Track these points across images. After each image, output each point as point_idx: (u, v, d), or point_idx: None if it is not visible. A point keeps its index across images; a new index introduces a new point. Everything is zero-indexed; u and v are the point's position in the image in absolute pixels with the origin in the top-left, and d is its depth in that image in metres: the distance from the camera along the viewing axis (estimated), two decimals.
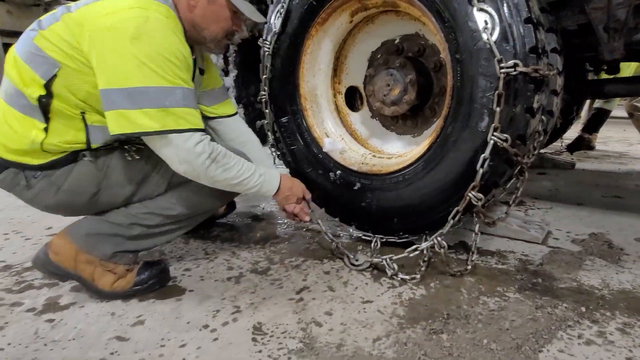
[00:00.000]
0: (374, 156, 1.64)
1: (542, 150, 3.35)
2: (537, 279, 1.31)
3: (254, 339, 0.98)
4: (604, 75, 3.03)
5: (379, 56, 1.70)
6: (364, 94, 1.77)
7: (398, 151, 1.71)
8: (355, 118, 1.80)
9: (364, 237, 1.56)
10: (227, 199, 1.40)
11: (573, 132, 3.81)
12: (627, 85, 2.35)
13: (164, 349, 0.94)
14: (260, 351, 0.94)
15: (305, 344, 0.97)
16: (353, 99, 1.84)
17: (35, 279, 1.29)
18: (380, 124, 1.79)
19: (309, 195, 1.43)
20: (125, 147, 1.17)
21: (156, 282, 1.21)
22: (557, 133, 3.08)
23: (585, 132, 3.71)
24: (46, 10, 5.94)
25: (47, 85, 1.01)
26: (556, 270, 1.37)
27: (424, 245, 1.33)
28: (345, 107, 1.78)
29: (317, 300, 1.17)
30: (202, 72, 1.40)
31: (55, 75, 1.01)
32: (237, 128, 1.55)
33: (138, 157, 1.17)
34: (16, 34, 5.90)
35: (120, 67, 0.96)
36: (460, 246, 1.57)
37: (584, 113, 4.08)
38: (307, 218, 1.39)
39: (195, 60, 1.25)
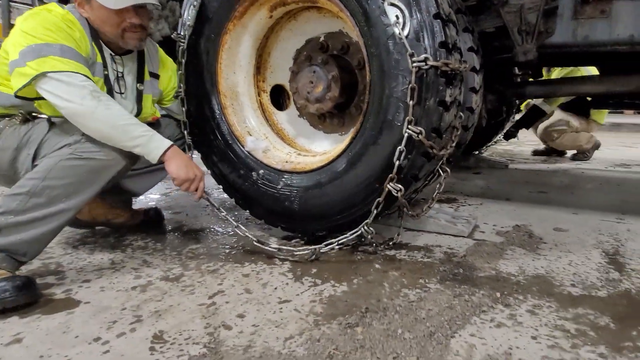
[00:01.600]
0: (299, 154, 1.63)
1: (477, 153, 3.54)
2: (459, 269, 1.35)
3: (151, 348, 0.91)
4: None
5: (303, 54, 1.71)
6: (289, 92, 1.77)
7: (325, 150, 1.72)
8: (282, 117, 1.80)
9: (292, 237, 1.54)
10: (98, 178, 1.26)
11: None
12: (547, 87, 2.55)
13: None
14: None
15: (209, 349, 0.92)
16: (280, 97, 1.84)
17: None
18: (308, 123, 1.79)
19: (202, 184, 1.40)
20: (18, 115, 1.31)
21: None
22: (489, 134, 3.27)
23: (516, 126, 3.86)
24: None
25: None
26: (478, 261, 1.42)
27: (351, 233, 1.39)
28: (271, 105, 1.77)
29: (231, 303, 1.12)
30: (155, 76, 1.55)
31: None
32: None
33: (20, 126, 1.29)
34: None
35: (14, 42, 1.19)
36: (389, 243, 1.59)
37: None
38: (197, 196, 1.40)
39: (142, 58, 1.48)
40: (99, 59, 1.33)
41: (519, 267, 1.37)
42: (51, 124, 1.29)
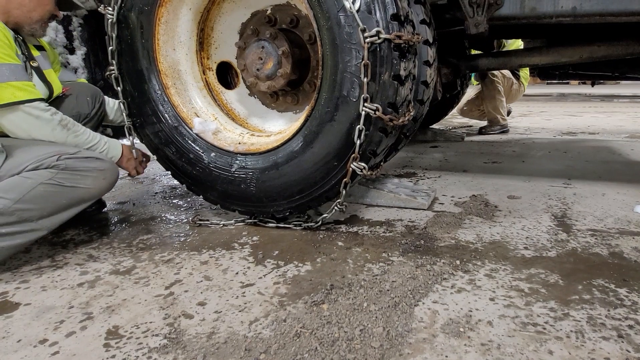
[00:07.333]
0: (253, 135, 1.63)
1: (434, 126, 3.69)
2: (420, 241, 1.43)
3: (106, 345, 0.90)
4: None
5: (249, 28, 1.68)
6: (237, 69, 1.74)
7: (280, 129, 1.72)
8: (231, 96, 1.77)
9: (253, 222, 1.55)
10: (78, 205, 1.34)
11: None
12: (499, 59, 2.69)
13: None
14: (113, 356, 0.86)
15: (170, 339, 0.92)
16: (228, 75, 1.80)
17: None
18: (260, 101, 1.78)
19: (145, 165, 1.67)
20: None
21: None
22: (444, 107, 3.41)
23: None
24: None
25: None
26: (438, 232, 1.51)
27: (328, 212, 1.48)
28: (218, 84, 1.74)
29: (190, 292, 1.12)
30: (40, 48, 1.55)
31: None
32: None
33: None
34: None
35: None
36: (351, 220, 1.64)
37: None
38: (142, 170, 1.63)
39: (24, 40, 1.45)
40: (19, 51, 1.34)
41: (476, 235, 1.47)
42: (6, 154, 1.24)
